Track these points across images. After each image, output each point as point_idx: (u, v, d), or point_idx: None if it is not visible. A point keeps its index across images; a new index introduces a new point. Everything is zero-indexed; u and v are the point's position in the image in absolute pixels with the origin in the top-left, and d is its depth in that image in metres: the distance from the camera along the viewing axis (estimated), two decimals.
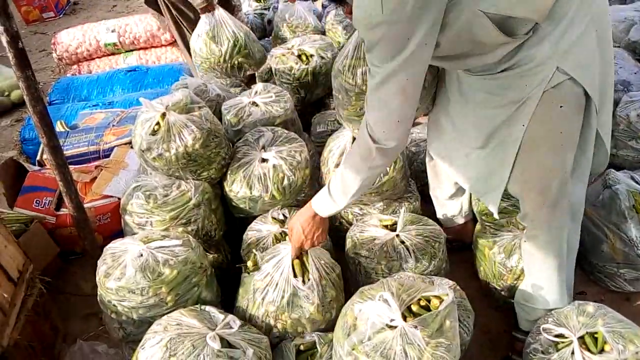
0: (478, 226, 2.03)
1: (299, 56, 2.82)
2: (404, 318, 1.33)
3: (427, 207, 2.32)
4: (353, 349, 1.31)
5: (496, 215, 1.68)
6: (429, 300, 1.39)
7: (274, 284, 1.63)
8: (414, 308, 1.37)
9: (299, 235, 1.62)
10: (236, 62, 2.87)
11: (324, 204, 1.57)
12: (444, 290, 1.38)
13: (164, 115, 1.92)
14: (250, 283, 1.70)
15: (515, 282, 1.84)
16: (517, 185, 1.54)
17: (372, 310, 1.35)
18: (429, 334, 1.30)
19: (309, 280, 1.63)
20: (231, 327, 1.51)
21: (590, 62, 1.37)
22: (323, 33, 3.24)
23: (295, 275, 1.63)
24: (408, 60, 1.22)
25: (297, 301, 1.61)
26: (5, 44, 1.57)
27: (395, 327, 1.30)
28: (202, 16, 2.85)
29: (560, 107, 1.37)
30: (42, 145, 2.85)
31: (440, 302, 1.36)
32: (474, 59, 1.39)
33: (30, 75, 1.62)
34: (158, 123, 1.93)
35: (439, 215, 2.18)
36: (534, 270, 1.70)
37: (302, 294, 1.61)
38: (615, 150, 2.34)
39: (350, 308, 1.42)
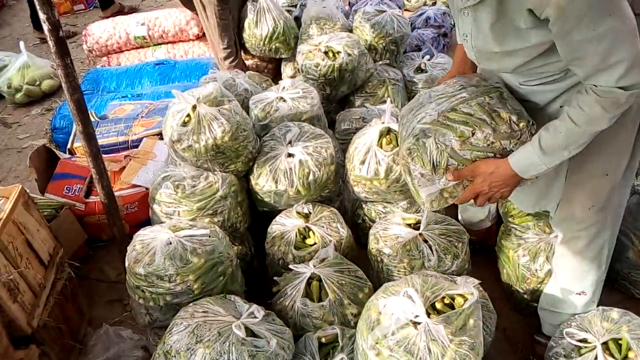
0: (502, 228, 2.02)
1: (326, 53, 2.84)
2: (428, 315, 1.34)
3: (450, 208, 2.31)
4: (377, 343, 1.33)
5: (553, 214, 1.65)
6: (453, 299, 1.40)
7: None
8: (438, 306, 1.37)
9: (481, 189, 1.48)
10: (274, 47, 3.29)
11: (529, 163, 1.38)
12: (469, 289, 1.38)
13: (194, 107, 1.96)
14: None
15: (539, 285, 1.83)
16: (568, 187, 1.53)
17: (397, 305, 1.36)
18: (453, 332, 1.30)
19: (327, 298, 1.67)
20: (255, 317, 1.53)
21: None
22: (350, 31, 3.25)
23: (306, 295, 1.69)
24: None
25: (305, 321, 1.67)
26: (46, 32, 1.62)
27: (419, 323, 1.31)
28: (248, 2, 3.23)
29: (627, 112, 1.35)
30: (72, 134, 2.92)
31: (465, 301, 1.37)
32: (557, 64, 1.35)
33: (69, 64, 1.67)
34: (189, 115, 1.97)
35: (462, 217, 2.18)
36: (567, 273, 1.68)
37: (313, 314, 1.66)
38: None
39: (374, 303, 1.44)
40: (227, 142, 1.95)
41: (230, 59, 3.32)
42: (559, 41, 1.22)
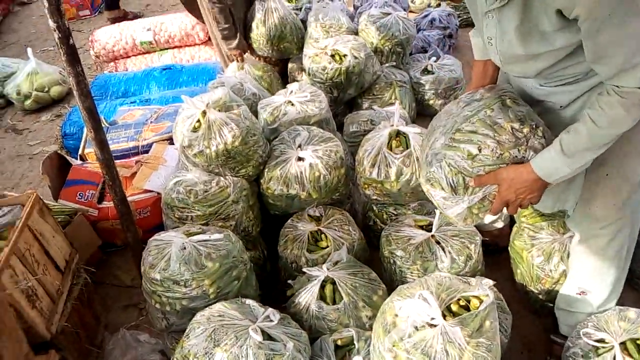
0: (515, 228, 2.02)
1: (333, 56, 2.85)
2: (444, 317, 1.35)
3: None
4: (393, 346, 1.33)
5: (570, 213, 1.64)
6: (468, 301, 1.40)
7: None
8: (454, 307, 1.38)
9: (508, 198, 1.45)
10: (283, 47, 3.30)
11: (552, 167, 1.36)
12: (484, 291, 1.39)
13: (204, 112, 1.98)
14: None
15: (553, 285, 1.83)
16: (587, 187, 1.53)
17: (413, 308, 1.37)
18: (470, 334, 1.31)
19: (341, 301, 1.68)
20: (271, 320, 1.55)
21: None
22: (356, 33, 3.26)
23: (320, 298, 1.70)
24: None
25: (321, 324, 1.68)
26: (57, 40, 1.64)
27: (436, 325, 1.32)
28: (256, 2, 3.24)
29: None
30: (83, 140, 2.94)
31: (480, 303, 1.37)
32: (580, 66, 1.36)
33: (80, 71, 1.69)
34: (199, 120, 1.98)
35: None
36: (586, 272, 1.67)
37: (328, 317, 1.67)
38: None
39: (389, 305, 1.44)
40: (238, 147, 1.97)
41: (230, 40, 3.17)
42: (586, 41, 1.22)
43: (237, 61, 3.21)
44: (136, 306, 2.23)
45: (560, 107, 1.49)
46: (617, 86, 1.23)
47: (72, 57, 1.70)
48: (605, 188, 1.48)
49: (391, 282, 1.91)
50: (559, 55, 1.32)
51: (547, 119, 1.51)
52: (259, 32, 3.28)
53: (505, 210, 2.11)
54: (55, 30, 1.66)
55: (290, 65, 3.50)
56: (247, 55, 3.29)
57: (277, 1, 3.25)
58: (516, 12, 1.26)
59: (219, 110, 2.01)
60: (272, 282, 2.18)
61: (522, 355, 1.88)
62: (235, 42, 3.18)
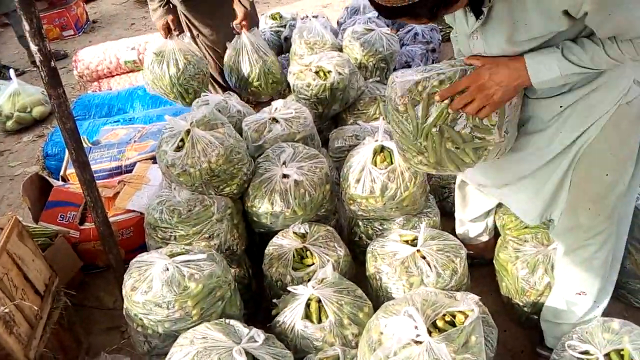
0: (500, 241, 2.03)
1: (317, 72, 2.87)
2: (429, 333, 1.34)
3: (446, 222, 2.33)
4: None
5: (557, 222, 1.63)
6: (453, 316, 1.40)
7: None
8: (439, 323, 1.37)
9: (482, 77, 1.33)
10: (251, 90, 3.27)
11: (545, 63, 1.28)
12: (469, 306, 1.38)
13: (188, 131, 1.97)
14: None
15: (538, 298, 1.83)
16: (573, 197, 1.53)
17: (398, 325, 1.36)
18: (455, 350, 1.30)
19: (327, 319, 1.66)
20: (256, 341, 1.52)
21: None
22: (340, 50, 3.29)
23: (306, 317, 1.68)
24: None
25: (306, 343, 1.66)
26: (38, 62, 1.63)
27: (422, 342, 1.31)
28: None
29: (630, 122, 1.37)
30: (65, 161, 2.91)
31: (466, 318, 1.36)
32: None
33: (62, 93, 1.68)
34: (182, 139, 1.97)
35: (460, 232, 2.18)
36: (572, 284, 1.67)
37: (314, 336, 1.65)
38: None
39: (375, 323, 1.43)
40: (222, 166, 1.96)
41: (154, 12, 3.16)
42: (599, 30, 1.20)
43: (162, 35, 3.19)
44: (118, 329, 2.18)
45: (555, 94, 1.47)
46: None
47: (54, 79, 1.69)
48: (591, 198, 1.49)
49: (377, 298, 1.90)
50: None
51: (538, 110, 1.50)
52: (232, 70, 3.29)
53: (490, 224, 2.13)
54: (36, 53, 1.65)
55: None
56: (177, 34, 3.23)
57: (248, 41, 3.21)
58: (501, 26, 1.28)
59: (203, 129, 2.01)
60: (258, 301, 2.16)
61: None
62: (157, 14, 3.18)
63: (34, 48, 1.63)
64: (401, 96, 1.45)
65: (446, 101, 1.41)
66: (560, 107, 1.42)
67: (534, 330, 1.89)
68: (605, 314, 1.91)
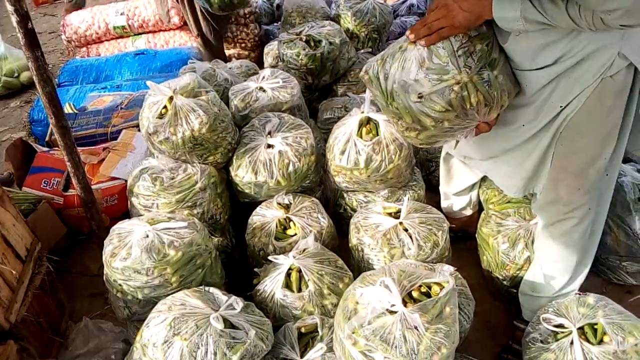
0: (483, 215, 2.03)
1: (307, 42, 2.82)
2: (405, 304, 1.35)
3: (432, 196, 2.33)
4: (353, 333, 1.33)
5: (539, 195, 1.63)
6: (429, 287, 1.40)
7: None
8: (415, 294, 1.38)
9: (444, 7, 1.34)
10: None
11: (510, 1, 1.27)
12: (445, 277, 1.39)
13: (171, 99, 1.94)
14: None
15: (518, 272, 1.85)
16: (554, 170, 1.53)
17: (373, 295, 1.36)
18: (429, 320, 1.31)
19: (307, 289, 1.67)
20: (234, 309, 1.53)
21: None
22: (332, 19, 3.22)
23: (286, 286, 1.69)
24: None
25: (285, 311, 1.67)
26: (15, 24, 1.59)
27: (396, 312, 1.32)
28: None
29: (613, 96, 1.35)
30: (50, 126, 2.87)
31: (441, 289, 1.37)
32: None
33: (40, 56, 1.64)
34: (165, 107, 1.94)
35: (444, 206, 2.18)
36: (550, 257, 1.69)
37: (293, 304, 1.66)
38: None
39: (351, 292, 1.44)
40: (205, 134, 1.93)
41: None
42: None
43: None
44: (102, 295, 2.19)
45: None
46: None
47: (31, 41, 1.65)
48: (572, 171, 1.49)
49: (359, 269, 1.91)
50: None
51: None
52: None
53: (474, 198, 2.13)
54: (13, 14, 1.60)
55: (265, 52, 3.46)
56: None
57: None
58: None
59: (187, 97, 1.97)
60: (241, 270, 2.16)
61: (485, 340, 1.90)
62: None
63: (10, 8, 1.58)
64: (365, 71, 1.51)
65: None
66: (545, 79, 1.40)
67: (513, 303, 1.92)
68: (584, 289, 1.94)
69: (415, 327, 1.29)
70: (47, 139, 2.80)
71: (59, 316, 2.08)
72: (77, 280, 2.33)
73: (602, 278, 2.03)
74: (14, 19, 1.59)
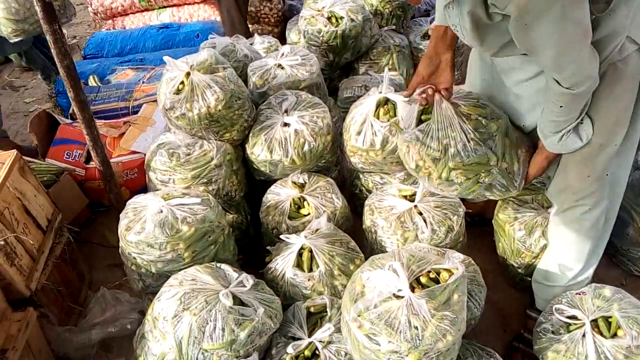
0: (500, 201, 1.99)
1: (329, 18, 2.76)
2: (412, 289, 1.33)
3: None
4: (359, 316, 1.33)
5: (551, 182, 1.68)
6: (438, 273, 1.39)
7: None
8: (423, 280, 1.37)
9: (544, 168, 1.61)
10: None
11: (548, 142, 1.49)
12: (454, 264, 1.37)
13: (188, 74, 1.93)
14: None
15: (533, 260, 1.81)
16: (564, 156, 1.53)
17: (381, 279, 1.36)
18: (436, 307, 1.30)
19: (317, 269, 1.67)
20: (244, 286, 1.55)
21: None
22: None
23: (297, 265, 1.70)
24: None
25: (295, 290, 1.68)
26: None
27: (402, 297, 1.31)
28: None
29: (623, 82, 1.33)
30: None
31: (450, 276, 1.35)
32: None
33: (57, 29, 1.65)
34: (182, 82, 1.94)
35: None
36: (562, 244, 1.66)
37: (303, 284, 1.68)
38: None
39: (359, 275, 1.43)
40: (221, 111, 1.93)
41: None
42: (515, 36, 1.23)
43: None
44: (120, 266, 2.24)
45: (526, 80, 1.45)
46: (554, 79, 1.26)
47: (49, 14, 1.66)
48: (580, 160, 1.45)
49: (372, 251, 1.90)
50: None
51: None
52: None
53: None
54: None
55: (288, 28, 3.42)
56: None
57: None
58: (469, 1, 1.24)
59: (204, 73, 1.96)
60: (255, 247, 2.18)
61: (497, 327, 1.88)
62: None
63: None
64: None
65: None
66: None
67: (528, 292, 1.89)
68: (603, 280, 1.89)
69: (421, 313, 1.28)
70: (71, 111, 2.84)
71: (79, 285, 2.14)
72: (97, 250, 2.39)
73: (622, 269, 1.97)
74: None
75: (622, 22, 1.24)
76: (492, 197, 1.68)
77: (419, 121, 1.64)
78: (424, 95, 1.55)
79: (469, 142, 1.56)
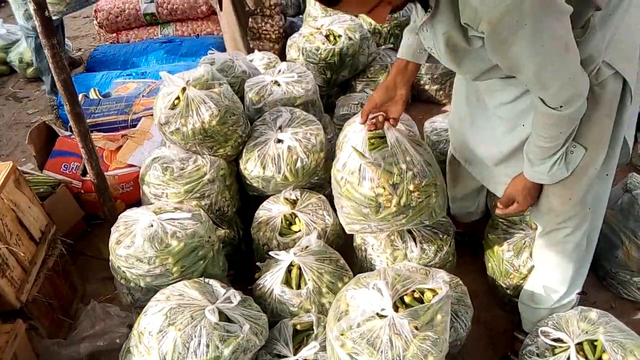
0: (490, 221, 1.99)
1: (327, 36, 2.80)
2: (396, 308, 1.34)
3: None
4: (341, 334, 1.33)
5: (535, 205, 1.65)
6: (422, 293, 1.39)
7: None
8: (407, 299, 1.37)
9: (529, 203, 1.55)
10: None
11: (532, 173, 1.46)
12: (438, 284, 1.37)
13: (184, 90, 1.96)
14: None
15: (521, 281, 1.81)
16: None
17: (364, 298, 1.36)
18: (418, 326, 1.30)
19: (305, 286, 1.68)
20: (231, 302, 1.55)
21: (635, 55, 1.32)
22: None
23: (286, 282, 1.70)
24: None
25: (283, 308, 1.68)
26: (32, 11, 1.63)
27: (385, 316, 1.31)
28: None
29: (600, 106, 1.33)
30: None
31: (434, 296, 1.36)
32: None
33: (55, 44, 1.68)
34: (178, 97, 1.97)
35: (453, 209, 2.15)
36: (547, 267, 1.66)
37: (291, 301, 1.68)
38: None
39: (344, 294, 1.44)
40: (215, 126, 1.95)
41: None
42: (492, 55, 1.21)
43: None
44: (112, 279, 2.25)
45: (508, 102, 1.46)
46: (540, 98, 1.24)
47: (47, 29, 1.70)
48: (562, 183, 1.45)
49: (361, 269, 1.91)
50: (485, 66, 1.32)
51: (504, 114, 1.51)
52: None
53: (482, 203, 2.11)
54: (30, 2, 1.65)
55: (288, 43, 3.45)
56: None
57: None
58: (444, 23, 1.24)
59: (200, 89, 1.99)
60: (246, 263, 2.19)
61: (485, 348, 1.87)
62: None
63: None
64: None
65: None
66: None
67: (516, 312, 1.87)
68: (593, 302, 1.89)
69: (403, 333, 1.28)
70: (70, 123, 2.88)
71: (71, 298, 2.15)
72: (91, 263, 2.40)
73: (611, 292, 1.96)
74: (31, 6, 1.64)
75: (597, 46, 1.25)
76: (427, 222, 1.68)
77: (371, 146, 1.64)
78: (373, 121, 1.57)
79: (424, 162, 1.61)
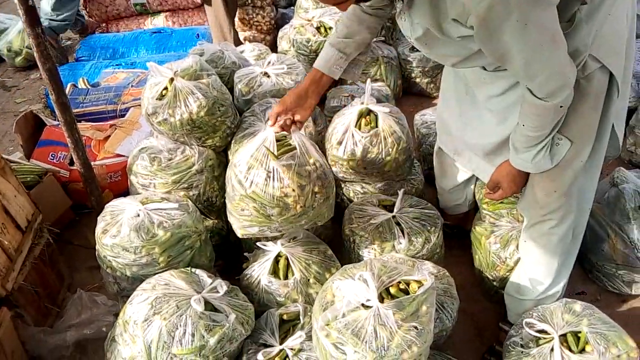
0: (477, 214, 2.00)
1: (318, 28, 2.79)
2: (382, 299, 1.34)
3: (432, 191, 2.30)
4: (327, 325, 1.33)
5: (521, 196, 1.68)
6: (408, 284, 1.40)
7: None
8: (392, 290, 1.37)
9: (513, 190, 1.58)
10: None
11: (519, 161, 1.47)
12: (424, 275, 1.38)
13: (172, 80, 1.95)
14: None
15: (508, 273, 1.82)
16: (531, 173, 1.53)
17: (350, 288, 1.36)
18: (403, 317, 1.30)
19: (292, 276, 1.69)
20: (217, 292, 1.55)
21: (622, 48, 1.33)
22: None
23: (273, 273, 1.71)
24: None
25: (270, 298, 1.69)
26: (16, 1, 1.61)
27: (370, 307, 1.32)
28: None
29: (586, 99, 1.34)
30: None
31: (419, 287, 1.36)
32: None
33: (40, 33, 1.66)
34: (166, 88, 1.96)
35: (441, 201, 2.16)
36: (532, 259, 1.68)
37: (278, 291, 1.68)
38: (634, 147, 2.25)
39: (330, 285, 1.44)
40: (203, 117, 1.94)
41: None
42: (482, 47, 1.22)
43: None
44: (100, 268, 2.25)
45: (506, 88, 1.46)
46: (528, 89, 1.25)
47: (31, 18, 1.67)
48: (547, 175, 1.46)
49: (349, 260, 1.91)
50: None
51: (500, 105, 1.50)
52: None
53: (469, 195, 2.11)
54: None
55: (280, 34, 3.44)
56: None
57: None
58: (425, 8, 1.24)
59: (188, 79, 1.98)
60: (235, 253, 2.19)
61: (471, 340, 1.89)
62: None
63: None
64: None
65: None
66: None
67: (503, 304, 1.89)
68: (580, 297, 1.90)
69: (388, 323, 1.29)
70: None
71: (58, 286, 2.14)
72: (79, 252, 2.38)
73: (597, 285, 1.98)
74: None
75: (584, 40, 1.26)
76: (320, 223, 1.71)
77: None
78: (280, 123, 1.59)
79: (324, 164, 1.64)
